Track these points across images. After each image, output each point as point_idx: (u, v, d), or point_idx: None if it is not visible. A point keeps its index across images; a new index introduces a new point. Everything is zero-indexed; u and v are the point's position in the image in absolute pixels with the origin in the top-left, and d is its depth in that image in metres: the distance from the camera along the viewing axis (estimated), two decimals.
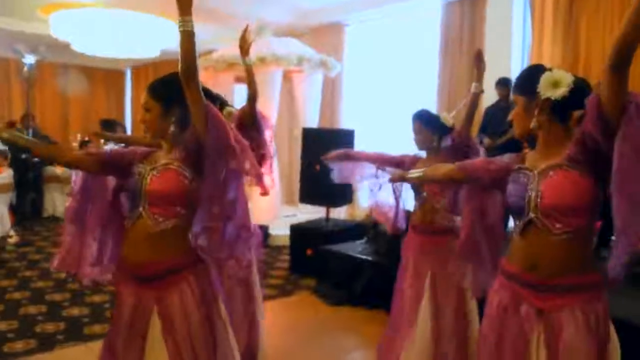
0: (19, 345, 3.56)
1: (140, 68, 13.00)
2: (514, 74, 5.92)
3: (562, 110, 1.64)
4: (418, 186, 2.83)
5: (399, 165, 2.90)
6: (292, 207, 7.80)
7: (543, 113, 1.66)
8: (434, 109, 6.47)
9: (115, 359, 1.89)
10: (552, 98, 1.62)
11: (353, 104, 8.09)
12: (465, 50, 6.44)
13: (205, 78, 7.50)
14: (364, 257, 4.65)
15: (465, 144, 2.79)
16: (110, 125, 10.89)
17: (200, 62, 7.10)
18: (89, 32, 8.05)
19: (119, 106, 14.01)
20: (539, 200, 1.62)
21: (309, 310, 4.50)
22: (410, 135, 2.91)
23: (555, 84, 1.62)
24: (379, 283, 4.31)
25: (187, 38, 1.73)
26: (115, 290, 1.99)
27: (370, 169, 3.05)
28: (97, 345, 3.56)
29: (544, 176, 1.64)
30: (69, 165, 1.99)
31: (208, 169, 1.77)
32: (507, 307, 1.70)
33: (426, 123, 2.82)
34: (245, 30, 2.97)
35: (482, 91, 5.69)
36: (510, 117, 1.78)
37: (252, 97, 2.92)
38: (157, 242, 1.82)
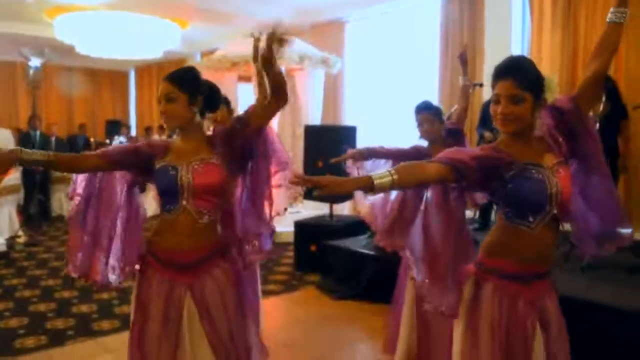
0: (30, 341, 3.64)
1: (143, 69, 13.11)
2: None
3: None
4: None
5: (419, 158, 2.94)
6: (296, 204, 7.85)
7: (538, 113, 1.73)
8: (435, 103, 6.53)
9: (145, 351, 1.91)
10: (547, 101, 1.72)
11: (355, 100, 8.13)
12: (465, 44, 6.46)
13: (208, 77, 7.64)
14: (367, 252, 4.70)
15: (460, 131, 3.07)
16: (116, 126, 11.04)
17: (204, 62, 7.22)
18: (92, 34, 8.14)
19: (124, 107, 14.14)
20: (559, 195, 1.68)
21: (314, 304, 4.56)
22: (412, 129, 2.99)
23: (552, 90, 1.70)
24: (382, 277, 4.36)
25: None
26: (140, 282, 1.97)
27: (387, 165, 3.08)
28: (106, 340, 3.67)
29: (555, 172, 1.70)
30: (89, 172, 1.95)
31: (258, 167, 2.01)
32: (509, 308, 1.70)
33: (434, 113, 2.94)
34: (257, 39, 3.14)
35: (481, 85, 5.71)
36: (505, 110, 1.66)
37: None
38: (201, 232, 1.93)
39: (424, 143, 3.03)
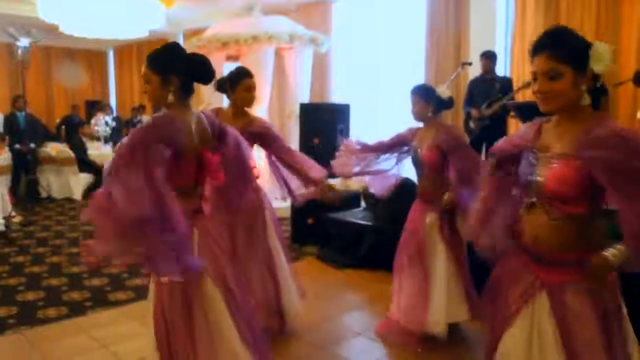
0: (51, 312, 3.79)
1: (123, 48, 12.97)
2: (498, 46, 6.23)
3: (597, 91, 1.62)
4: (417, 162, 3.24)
5: (402, 144, 3.30)
6: None
7: (588, 89, 1.59)
8: (422, 81, 6.74)
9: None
10: (599, 73, 1.56)
11: (341, 78, 8.31)
12: (451, 23, 6.70)
13: None
14: (365, 222, 4.96)
15: None
16: (97, 107, 10.94)
17: (194, 42, 7.28)
18: (76, 13, 8.04)
19: (104, 87, 13.98)
20: (540, 186, 1.65)
21: (316, 273, 4.80)
22: (400, 106, 3.28)
23: (600, 58, 1.56)
24: (381, 246, 4.64)
25: None
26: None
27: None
28: (126, 309, 3.83)
29: (548, 163, 1.64)
30: None
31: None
32: (517, 270, 1.76)
33: (420, 95, 3.13)
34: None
35: (470, 63, 5.95)
36: (542, 88, 1.60)
37: None
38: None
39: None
